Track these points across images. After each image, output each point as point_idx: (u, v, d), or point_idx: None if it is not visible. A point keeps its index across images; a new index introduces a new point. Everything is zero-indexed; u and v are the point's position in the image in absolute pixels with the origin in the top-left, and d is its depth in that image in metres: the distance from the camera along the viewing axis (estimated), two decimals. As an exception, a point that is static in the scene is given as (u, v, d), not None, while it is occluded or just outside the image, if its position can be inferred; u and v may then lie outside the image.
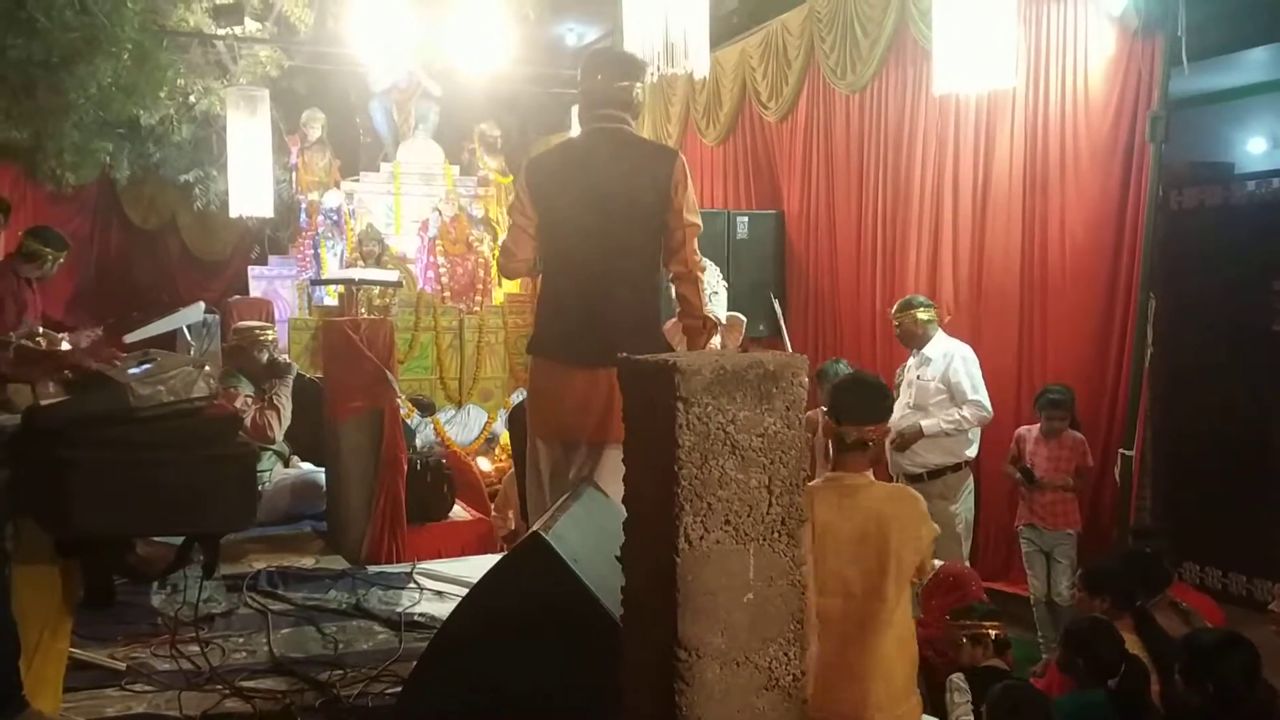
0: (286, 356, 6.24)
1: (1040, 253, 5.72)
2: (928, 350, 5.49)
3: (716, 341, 4.84)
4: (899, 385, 5.59)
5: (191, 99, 10.17)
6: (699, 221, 3.76)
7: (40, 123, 8.84)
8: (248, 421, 5.34)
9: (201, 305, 7.93)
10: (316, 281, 9.14)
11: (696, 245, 3.77)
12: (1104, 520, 5.36)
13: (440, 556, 5.16)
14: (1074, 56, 5.49)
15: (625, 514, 2.14)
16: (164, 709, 3.24)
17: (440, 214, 9.38)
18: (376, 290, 7.48)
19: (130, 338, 6.96)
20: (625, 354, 2.14)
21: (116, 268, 12.39)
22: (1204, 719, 3.22)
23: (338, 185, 10.10)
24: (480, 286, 9.26)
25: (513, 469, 5.68)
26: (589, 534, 3.00)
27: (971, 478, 5.50)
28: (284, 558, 4.90)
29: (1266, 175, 5.90)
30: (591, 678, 2.55)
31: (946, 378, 5.36)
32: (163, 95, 9.36)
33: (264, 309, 8.79)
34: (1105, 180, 5.38)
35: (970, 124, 6.11)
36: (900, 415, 5.38)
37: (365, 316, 6.03)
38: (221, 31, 9.83)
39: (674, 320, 4.82)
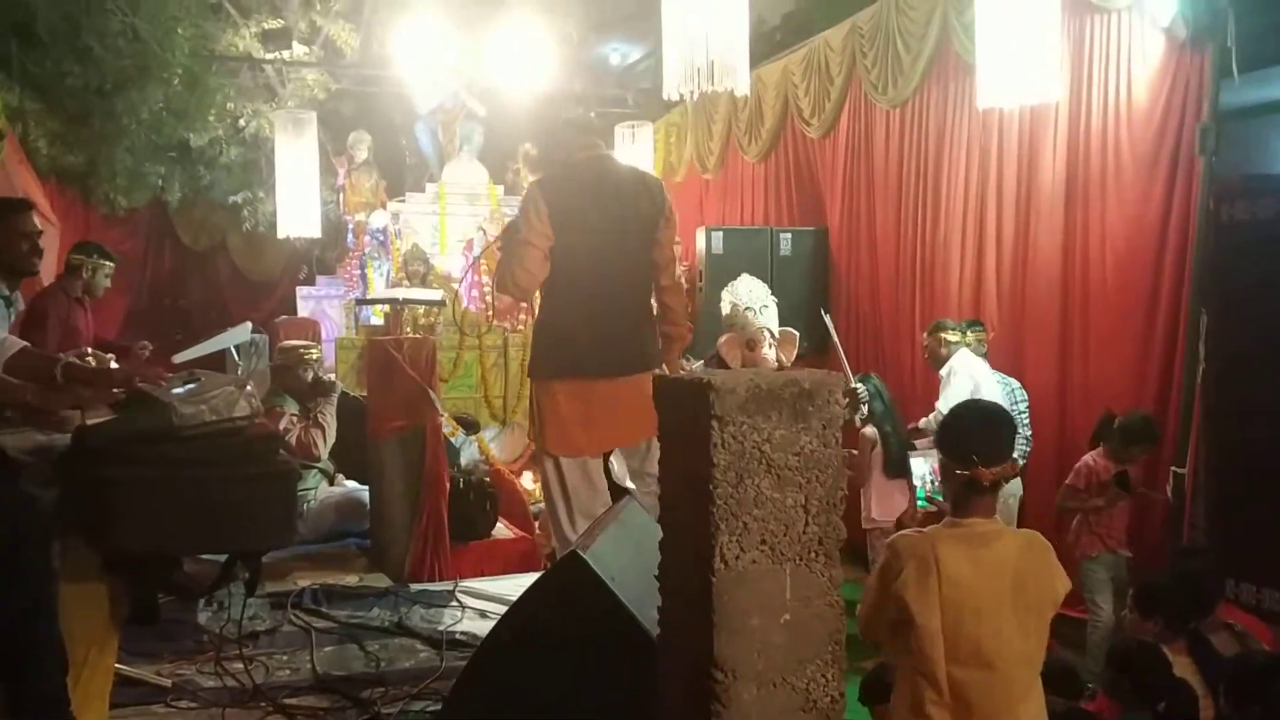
0: (331, 375, 6.30)
1: (1083, 267, 5.64)
2: (944, 370, 5.63)
3: (772, 355, 4.83)
4: None
5: (241, 122, 10.34)
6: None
7: (95, 147, 9.06)
8: (293, 440, 5.40)
9: (249, 325, 8.02)
10: (363, 301, 9.23)
11: None
12: (1152, 539, 5.25)
13: (483, 574, 5.17)
14: (1117, 68, 5.42)
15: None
16: (208, 725, 3.27)
17: (485, 233, 9.45)
18: (421, 309, 7.53)
19: (179, 358, 7.05)
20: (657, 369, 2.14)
21: (169, 288, 12.61)
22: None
23: (384, 206, 10.21)
24: (524, 305, 9.30)
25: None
26: (627, 552, 2.99)
27: (1012, 490, 5.44)
28: (327, 575, 4.94)
29: (1321, 187, 5.78)
30: (629, 697, 2.54)
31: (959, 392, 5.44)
32: (212, 118, 9.55)
33: (311, 329, 8.89)
34: (1149, 193, 5.29)
35: (1013, 137, 6.05)
36: None
37: (409, 335, 6.07)
38: (270, 56, 10.01)
39: (727, 336, 4.83)
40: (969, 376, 5.50)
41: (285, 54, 10.08)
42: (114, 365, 3.06)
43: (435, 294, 7.59)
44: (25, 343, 2.46)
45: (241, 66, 10.08)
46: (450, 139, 10.36)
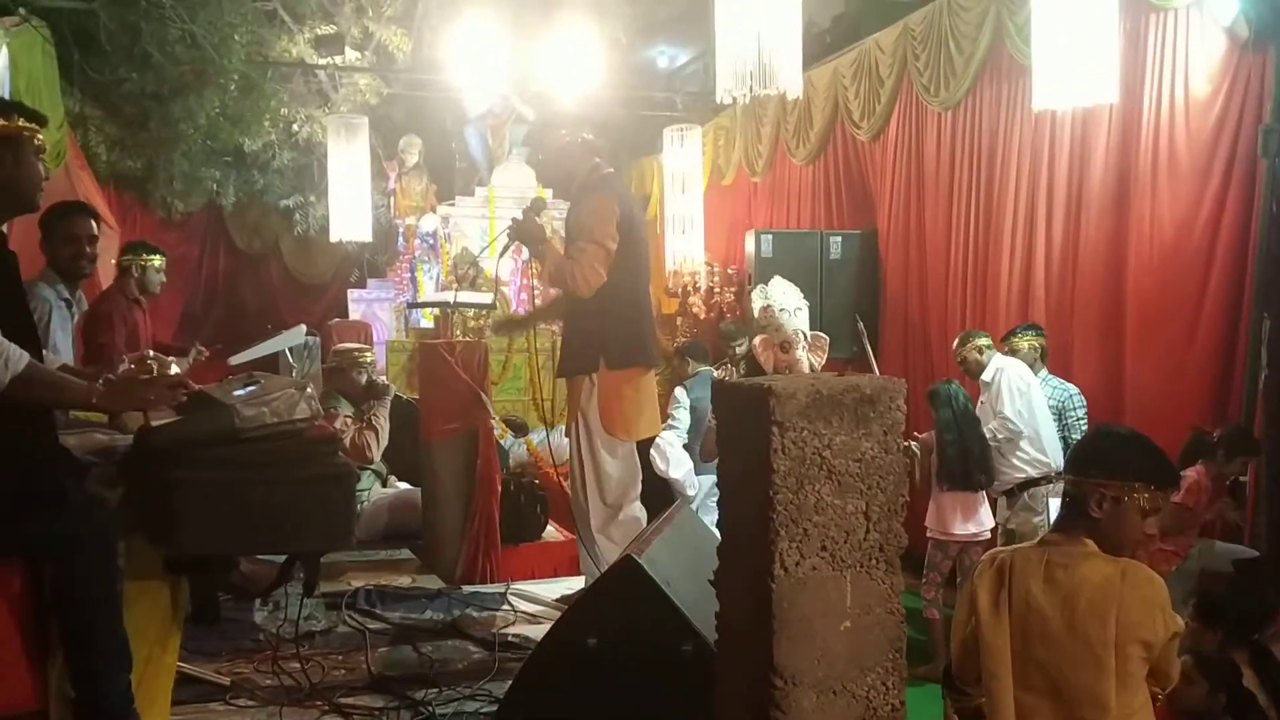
0: (384, 378, 6.35)
1: (1135, 270, 5.57)
2: (985, 375, 5.57)
3: (805, 358, 4.83)
4: None
5: (294, 127, 10.47)
6: None
7: (152, 152, 9.22)
8: (346, 442, 5.44)
9: (303, 328, 8.13)
10: (413, 304, 9.32)
11: None
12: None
13: (533, 577, 5.18)
14: (1173, 68, 5.34)
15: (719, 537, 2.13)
16: (266, 724, 3.31)
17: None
18: (471, 312, 7.58)
19: (235, 360, 7.16)
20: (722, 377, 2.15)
21: (223, 291, 12.82)
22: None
23: (434, 209, 10.29)
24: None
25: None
26: (682, 557, 2.99)
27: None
28: (381, 576, 4.98)
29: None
30: (685, 702, 2.54)
31: (993, 395, 5.38)
32: (266, 124, 9.67)
33: (363, 331, 8.98)
34: (1203, 195, 5.21)
35: (1065, 139, 5.99)
36: None
37: (460, 338, 6.11)
38: (323, 61, 10.12)
39: (761, 338, 4.85)
40: (1017, 375, 5.43)
41: (338, 59, 10.19)
42: (175, 369, 3.10)
43: (486, 297, 7.63)
44: (30, 357, 2.48)
45: (295, 72, 10.20)
46: (500, 143, 10.42)
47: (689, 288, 9.47)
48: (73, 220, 4.53)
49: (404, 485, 6.05)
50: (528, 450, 7.23)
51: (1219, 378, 5.17)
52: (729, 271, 9.50)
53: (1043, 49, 5.02)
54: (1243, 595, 4.10)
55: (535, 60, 9.30)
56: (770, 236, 7.85)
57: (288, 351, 7.49)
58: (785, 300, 5.13)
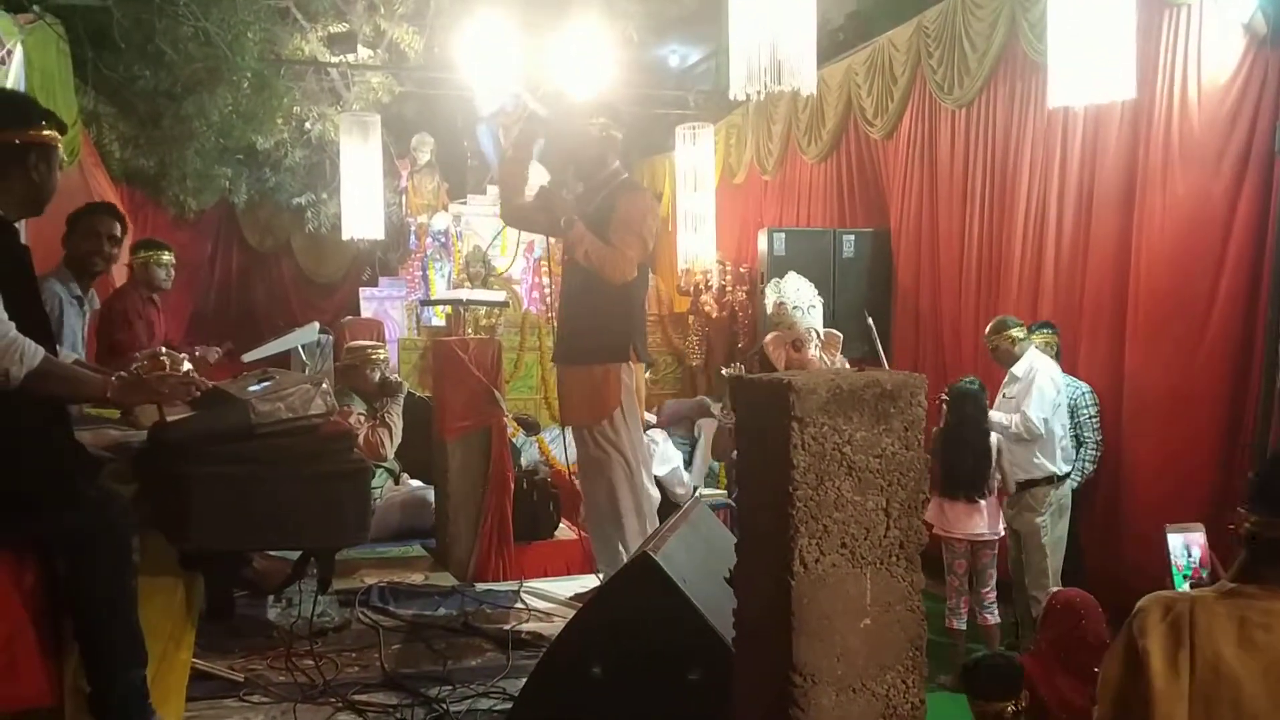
0: (397, 375, 6.35)
1: (1147, 268, 5.53)
2: (1016, 369, 5.46)
3: (818, 356, 4.81)
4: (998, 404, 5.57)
5: (306, 125, 10.48)
6: None
7: (165, 150, 9.22)
8: (360, 439, 5.45)
9: (316, 325, 8.11)
10: (425, 302, 9.32)
11: None
12: (1229, 552, 5.13)
13: (546, 575, 5.18)
14: (1185, 63, 5.31)
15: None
16: (280, 720, 3.31)
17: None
18: (483, 310, 7.58)
19: (248, 357, 7.16)
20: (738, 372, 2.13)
21: (235, 290, 12.84)
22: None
23: (445, 208, 10.29)
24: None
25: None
26: (697, 554, 2.98)
27: (1062, 494, 5.35)
28: (394, 574, 4.97)
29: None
30: (701, 701, 2.52)
31: (1022, 390, 5.31)
32: (279, 121, 9.67)
33: (375, 329, 8.98)
34: (1214, 191, 5.17)
35: (1077, 136, 5.96)
36: None
37: (472, 336, 6.11)
38: (335, 60, 10.13)
39: (773, 335, 4.84)
40: (1050, 379, 5.37)
41: (350, 58, 10.19)
42: (188, 366, 3.09)
43: (499, 295, 7.64)
44: (45, 352, 2.48)
45: (307, 70, 10.19)
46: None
47: (701, 286, 9.46)
48: (98, 217, 4.56)
49: (416, 483, 6.05)
50: (540, 449, 7.24)
51: (1232, 376, 5.13)
52: (741, 270, 9.49)
53: (1059, 45, 4.98)
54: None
55: (547, 59, 9.28)
56: (783, 234, 7.83)
57: (300, 349, 7.49)
58: (799, 297, 5.10)
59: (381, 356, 5.99)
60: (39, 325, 2.63)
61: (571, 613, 3.79)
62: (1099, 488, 5.68)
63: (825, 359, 5.08)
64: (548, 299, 9.36)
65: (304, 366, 7.30)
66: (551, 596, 4.71)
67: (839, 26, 8.92)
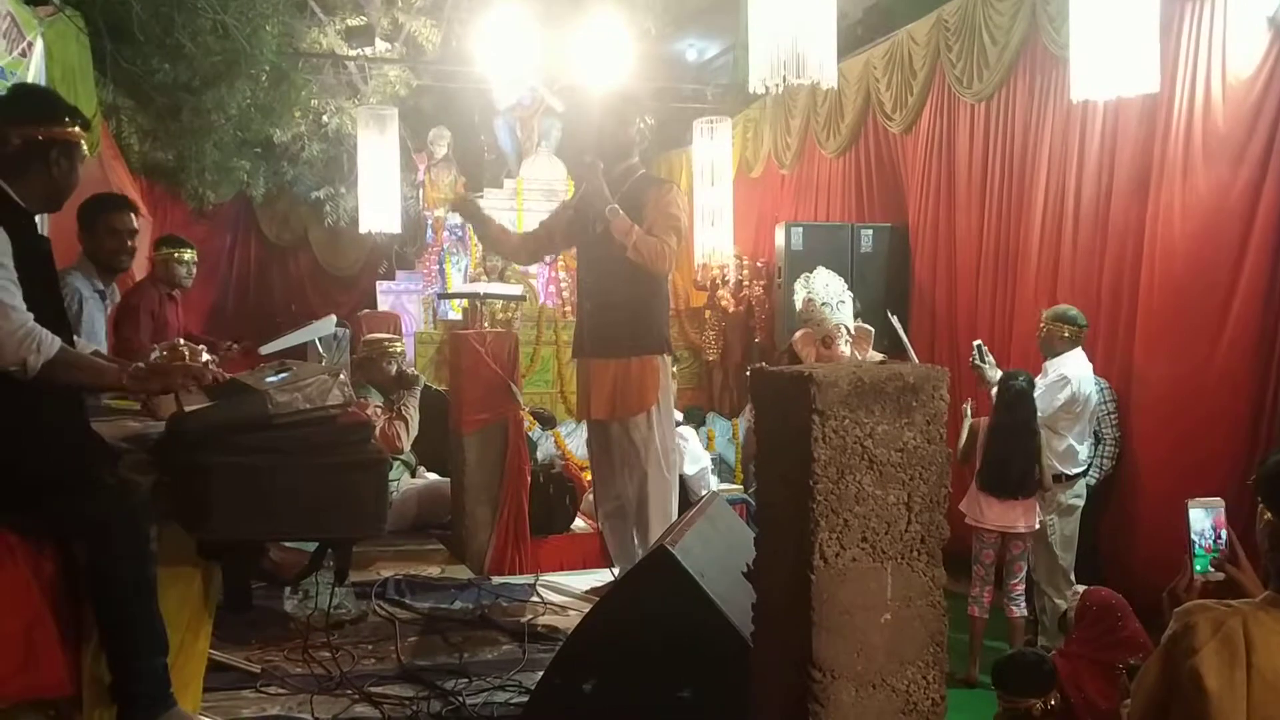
0: (413, 369, 6.35)
1: (1162, 262, 5.47)
2: (1058, 368, 5.28)
3: (848, 352, 4.76)
4: None
5: (324, 118, 10.49)
6: None
7: (184, 143, 9.24)
8: (376, 432, 5.45)
9: (333, 318, 8.12)
10: (442, 295, 9.32)
11: None
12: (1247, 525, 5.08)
13: (561, 568, 5.19)
14: (1209, 56, 5.24)
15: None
16: (296, 711, 3.32)
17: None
18: (500, 304, 7.57)
19: (265, 349, 7.17)
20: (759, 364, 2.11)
21: (253, 283, 12.88)
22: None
23: (462, 201, 10.26)
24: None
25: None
26: (715, 548, 2.96)
27: (1074, 493, 5.30)
28: (410, 566, 4.99)
29: None
30: (718, 695, 2.51)
31: (1049, 394, 5.17)
32: (296, 115, 9.68)
33: (392, 322, 8.98)
34: (1234, 185, 5.11)
35: (1096, 130, 5.90)
36: None
37: (489, 330, 6.10)
38: (353, 53, 10.13)
39: (802, 332, 4.78)
40: (1085, 398, 5.23)
41: (368, 51, 10.19)
42: (206, 356, 3.09)
43: (516, 289, 7.62)
44: (61, 342, 2.49)
45: (325, 63, 10.21)
46: (529, 135, 10.42)
47: (718, 281, 9.43)
48: (116, 214, 4.55)
49: (433, 476, 6.05)
50: (556, 443, 7.23)
51: (1253, 371, 5.07)
52: (758, 264, 9.45)
53: (1081, 37, 4.93)
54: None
55: (564, 52, 9.27)
56: (801, 229, 7.79)
57: (317, 342, 7.50)
58: (828, 293, 5.02)
59: (398, 350, 5.99)
60: (57, 316, 2.63)
61: (587, 606, 3.78)
62: (1115, 481, 5.63)
63: (856, 355, 5.01)
64: (564, 293, 9.35)
65: (321, 359, 7.32)
66: (567, 590, 4.72)
67: (858, 20, 8.88)
